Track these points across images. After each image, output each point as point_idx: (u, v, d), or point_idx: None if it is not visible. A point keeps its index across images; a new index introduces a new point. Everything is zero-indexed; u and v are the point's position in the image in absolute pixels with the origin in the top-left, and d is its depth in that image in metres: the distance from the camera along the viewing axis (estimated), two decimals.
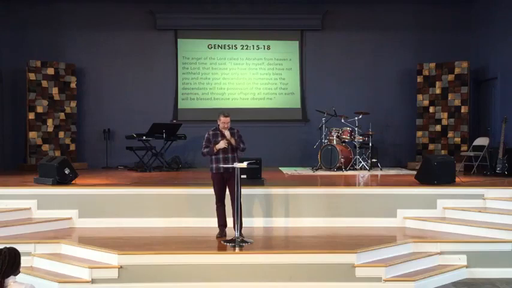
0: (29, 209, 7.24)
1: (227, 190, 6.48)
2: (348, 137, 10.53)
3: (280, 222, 7.22)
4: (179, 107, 12.17)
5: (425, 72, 11.52)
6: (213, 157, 6.42)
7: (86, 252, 5.97)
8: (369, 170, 10.25)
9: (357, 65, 12.01)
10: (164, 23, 12.00)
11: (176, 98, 12.16)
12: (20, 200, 7.29)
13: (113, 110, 11.76)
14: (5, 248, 3.74)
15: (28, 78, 11.00)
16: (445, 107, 11.32)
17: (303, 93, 12.31)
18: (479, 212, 7.01)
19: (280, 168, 10.92)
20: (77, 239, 6.51)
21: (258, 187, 7.39)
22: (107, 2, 11.79)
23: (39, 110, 11.11)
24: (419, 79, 11.57)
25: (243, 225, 6.30)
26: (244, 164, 6.19)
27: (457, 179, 8.07)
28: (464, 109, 11.14)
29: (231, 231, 6.40)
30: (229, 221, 6.49)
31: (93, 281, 5.60)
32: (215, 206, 6.51)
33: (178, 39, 12.24)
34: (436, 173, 7.72)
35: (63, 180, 7.74)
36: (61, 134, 11.36)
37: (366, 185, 8.29)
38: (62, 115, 11.39)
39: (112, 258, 5.70)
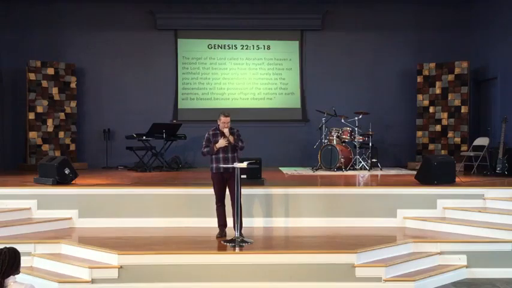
0: (29, 209, 7.24)
1: (227, 190, 6.48)
2: (348, 137, 10.53)
3: (280, 222, 7.22)
4: (179, 107, 12.17)
5: (425, 72, 11.52)
6: (213, 157, 6.43)
7: (86, 252, 5.97)
8: (369, 170, 10.25)
9: (357, 65, 12.01)
10: (164, 23, 12.00)
11: (176, 98, 12.16)
12: (20, 200, 7.29)
13: (113, 110, 11.76)
14: (5, 248, 3.75)
15: (28, 78, 11.00)
16: (445, 107, 11.32)
17: (303, 93, 12.31)
18: (479, 212, 7.01)
19: (280, 168, 10.92)
20: (77, 239, 6.51)
21: (258, 187, 7.39)
22: (107, 2, 11.79)
23: (39, 110, 11.11)
24: (419, 79, 11.57)
25: (243, 225, 6.30)
26: (244, 164, 6.19)
27: (457, 179, 8.07)
28: (464, 109, 11.13)
29: (231, 231, 6.40)
30: (229, 221, 6.49)
31: (93, 281, 5.60)
32: (215, 206, 6.51)
33: (178, 39, 12.24)
34: (436, 173, 7.72)
35: (63, 180, 7.74)
36: (61, 134, 11.36)
37: (366, 185, 8.29)
38: (62, 115, 11.39)
39: (112, 258, 5.70)
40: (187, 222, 7.13)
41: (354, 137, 10.52)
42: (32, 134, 11.00)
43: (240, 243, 6.05)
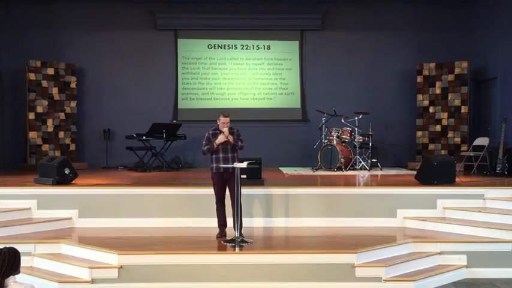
0: (29, 209, 7.24)
1: (227, 190, 6.48)
2: (348, 137, 10.53)
3: (280, 222, 7.22)
4: (179, 107, 12.17)
5: (425, 72, 11.52)
6: (213, 156, 6.43)
7: (86, 252, 5.97)
8: (369, 170, 10.25)
9: (357, 65, 12.01)
10: (164, 23, 12.00)
11: (176, 98, 12.16)
12: (20, 200, 7.29)
13: (113, 110, 11.76)
14: (5, 248, 3.75)
15: (28, 78, 11.00)
16: (445, 107, 11.32)
17: (303, 93, 12.31)
18: (479, 212, 7.01)
19: (280, 168, 10.92)
20: (77, 239, 6.51)
21: (258, 187, 7.39)
22: (107, 2, 11.79)
23: (39, 110, 11.11)
24: (419, 79, 11.57)
25: (243, 225, 6.30)
26: (244, 164, 6.19)
27: (457, 179, 8.07)
28: (464, 109, 11.13)
29: (231, 231, 6.40)
30: (229, 221, 6.49)
31: (93, 281, 5.60)
32: (215, 206, 6.51)
33: (178, 39, 12.24)
34: (436, 173, 7.72)
35: (63, 180, 7.74)
36: (61, 134, 11.36)
37: (366, 185, 8.29)
38: (62, 115, 11.39)
39: (112, 258, 5.70)
40: (187, 222, 7.12)
41: (354, 137, 10.52)
42: (32, 134, 11.00)
43: (240, 243, 6.05)
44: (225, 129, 6.35)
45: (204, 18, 12.00)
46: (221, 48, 12.33)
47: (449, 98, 11.28)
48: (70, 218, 7.21)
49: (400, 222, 7.22)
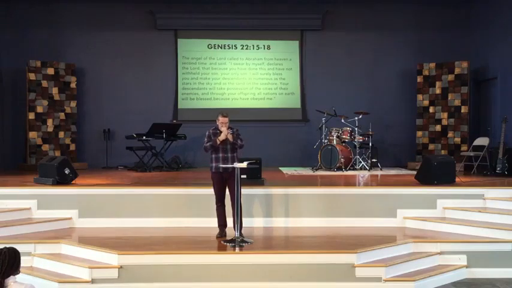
0: (29, 209, 7.24)
1: (227, 190, 6.48)
2: (348, 137, 10.53)
3: (280, 222, 7.22)
4: (179, 107, 12.17)
5: (425, 72, 11.52)
6: (213, 156, 6.43)
7: (86, 252, 5.97)
8: (369, 170, 10.25)
9: (357, 65, 12.01)
10: (164, 23, 12.00)
11: (176, 98, 12.16)
12: (20, 200, 7.29)
13: (113, 110, 11.76)
14: (5, 248, 3.75)
15: (28, 78, 11.00)
16: (445, 107, 11.32)
17: (303, 93, 12.31)
18: (479, 212, 7.01)
19: (280, 168, 10.92)
20: (77, 239, 6.51)
21: (258, 187, 7.39)
22: (107, 2, 11.79)
23: (39, 110, 11.11)
24: (419, 79, 11.57)
25: (243, 225, 6.30)
26: (244, 164, 6.19)
27: (457, 179, 8.07)
28: (464, 109, 11.13)
29: (231, 231, 6.40)
30: (229, 221, 6.49)
31: (93, 281, 5.60)
32: (215, 206, 6.51)
33: (178, 39, 12.24)
34: (436, 173, 7.71)
35: (63, 180, 7.74)
36: (61, 134, 11.36)
37: (366, 185, 8.29)
38: (62, 115, 11.39)
39: (112, 258, 5.70)
40: (187, 222, 7.12)
41: (354, 137, 10.52)
42: (32, 134, 11.00)
43: (240, 243, 6.05)
44: (224, 129, 6.36)
45: (204, 18, 12.00)
46: (221, 48, 12.33)
47: (449, 98, 11.28)
48: (70, 218, 7.21)
49: (400, 222, 7.22)
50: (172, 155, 11.25)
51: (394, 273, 5.74)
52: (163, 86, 12.04)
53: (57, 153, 11.02)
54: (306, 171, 10.22)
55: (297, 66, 12.38)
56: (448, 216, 7.19)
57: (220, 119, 6.41)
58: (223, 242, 6.19)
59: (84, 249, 6.01)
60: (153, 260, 5.66)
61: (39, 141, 11.08)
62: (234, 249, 5.93)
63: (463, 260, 6.24)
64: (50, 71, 11.25)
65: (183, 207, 7.25)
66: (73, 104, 11.54)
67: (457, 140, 11.16)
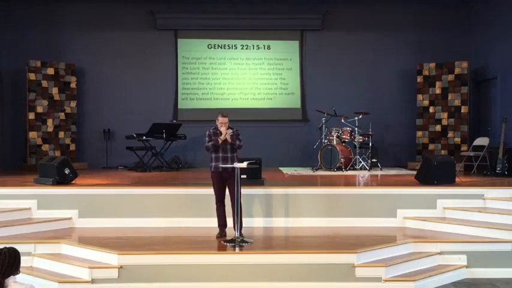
0: (29, 209, 7.24)
1: (227, 190, 6.48)
2: (348, 137, 10.53)
3: (280, 222, 7.22)
4: (179, 107, 12.17)
5: (425, 72, 11.52)
6: (213, 156, 6.44)
7: (86, 252, 5.97)
8: (369, 170, 10.25)
9: (357, 65, 12.00)
10: (164, 23, 12.00)
11: (176, 98, 12.16)
12: (20, 200, 7.29)
13: (113, 110, 11.76)
14: (5, 248, 3.75)
15: (28, 78, 11.00)
16: (445, 107, 11.32)
17: (303, 93, 12.31)
18: (479, 212, 7.01)
19: (280, 168, 10.92)
20: (77, 239, 6.51)
21: (258, 187, 7.39)
22: (107, 2, 11.79)
23: (39, 110, 11.11)
24: (419, 79, 11.57)
25: (243, 225, 6.30)
26: (244, 164, 6.19)
27: (457, 179, 8.07)
28: (464, 109, 11.13)
29: (231, 231, 6.40)
30: (229, 221, 6.49)
31: (93, 281, 5.60)
32: (215, 206, 6.51)
33: (178, 39, 12.24)
34: (436, 173, 7.71)
35: (63, 180, 7.74)
36: (61, 134, 11.36)
37: (366, 185, 8.29)
38: (62, 115, 11.39)
39: (112, 258, 5.70)
40: (187, 222, 7.12)
41: (354, 137, 10.52)
42: (32, 134, 11.00)
43: (240, 243, 6.05)
44: (223, 129, 6.37)
45: (204, 18, 12.00)
46: (221, 48, 12.33)
47: (449, 98, 11.28)
48: (70, 218, 7.21)
49: (400, 222, 7.22)
50: (172, 155, 11.25)
51: (394, 273, 5.74)
52: (163, 86, 12.04)
53: (57, 153, 11.02)
54: (306, 171, 10.22)
55: (297, 66, 12.38)
56: (448, 216, 7.19)
57: (220, 119, 6.41)
58: (223, 242, 6.19)
59: (84, 249, 6.01)
60: (153, 260, 5.66)
61: (39, 141, 11.08)
62: (234, 249, 5.93)
63: (463, 260, 6.24)
64: (50, 71, 11.25)
65: (183, 207, 7.25)
66: (73, 104, 11.54)
67: (457, 140, 11.16)
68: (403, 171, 10.38)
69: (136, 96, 11.87)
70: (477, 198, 7.34)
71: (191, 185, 7.85)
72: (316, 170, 10.31)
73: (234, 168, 6.21)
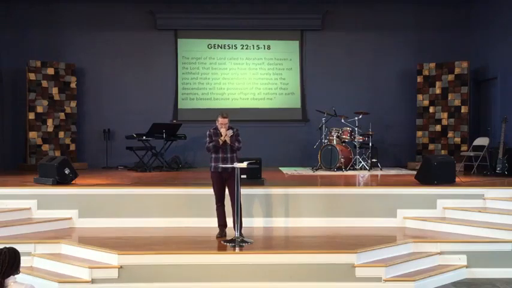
0: (29, 209, 7.24)
1: (227, 190, 6.48)
2: (348, 137, 10.53)
3: (280, 222, 7.22)
4: (179, 107, 12.16)
5: (425, 72, 11.52)
6: (213, 156, 6.44)
7: (86, 252, 5.97)
8: (369, 170, 10.25)
9: (357, 65, 12.00)
10: (164, 23, 12.00)
11: (176, 98, 12.16)
12: (20, 200, 7.29)
13: (113, 110, 11.76)
14: (5, 248, 3.75)
15: (28, 78, 11.00)
16: (445, 107, 11.32)
17: (303, 93, 12.31)
18: (479, 212, 7.01)
19: (280, 168, 10.92)
20: (77, 239, 6.51)
21: (258, 187, 7.39)
22: (107, 2, 11.79)
23: (39, 110, 11.11)
24: (419, 79, 11.57)
25: (243, 225, 6.30)
26: (244, 164, 6.19)
27: (457, 179, 8.07)
28: (464, 109, 11.13)
29: (231, 231, 6.40)
30: (229, 221, 6.49)
31: (93, 281, 5.60)
32: (215, 206, 6.52)
33: (178, 39, 12.24)
34: (436, 173, 7.71)
35: (63, 180, 7.74)
36: (61, 134, 11.36)
37: (366, 185, 8.29)
38: (62, 115, 11.39)
39: (112, 258, 5.70)
40: (187, 222, 7.12)
41: (354, 137, 10.52)
42: (32, 134, 11.00)
43: (240, 243, 6.05)
44: (223, 130, 6.37)
45: (204, 18, 12.00)
46: (221, 48, 12.33)
47: (449, 98, 11.28)
48: (70, 218, 7.21)
49: (400, 222, 7.22)
50: (172, 155, 11.25)
51: (394, 273, 5.74)
52: (163, 86, 12.04)
53: (57, 153, 11.02)
54: (306, 171, 10.22)
55: (297, 66, 12.38)
56: (448, 216, 7.19)
57: (220, 119, 6.41)
58: (223, 242, 6.19)
59: (84, 249, 6.01)
60: (153, 260, 5.66)
61: (39, 141, 11.08)
62: (234, 249, 5.93)
63: (463, 260, 6.24)
64: (50, 71, 11.25)
65: (183, 207, 7.25)
66: (73, 104, 11.54)
67: (457, 140, 11.16)
68: (403, 171, 10.38)
69: (136, 96, 11.87)
70: (477, 198, 7.34)
71: (191, 185, 7.85)
72: (316, 170, 10.31)
73: (233, 168, 6.21)
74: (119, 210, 7.23)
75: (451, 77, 11.26)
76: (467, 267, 6.21)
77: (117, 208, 7.24)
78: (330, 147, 10.28)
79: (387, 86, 12.01)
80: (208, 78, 12.28)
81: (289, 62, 12.40)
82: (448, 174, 7.90)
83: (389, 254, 6.02)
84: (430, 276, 5.85)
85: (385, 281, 5.65)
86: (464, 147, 10.95)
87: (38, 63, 11.14)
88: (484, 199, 7.33)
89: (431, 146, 11.45)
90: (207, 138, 6.50)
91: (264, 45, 12.37)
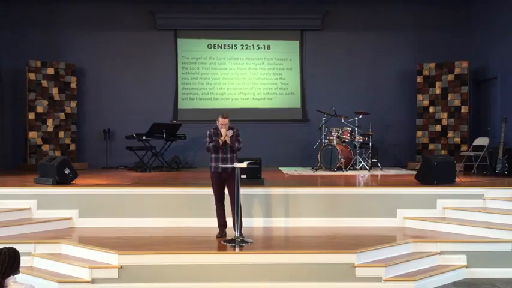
0: (29, 209, 7.24)
1: (227, 190, 6.48)
2: (348, 137, 10.53)
3: (280, 222, 7.22)
4: (179, 107, 12.16)
5: (425, 72, 11.52)
6: (213, 156, 6.44)
7: (86, 252, 5.97)
8: (369, 170, 10.25)
9: (357, 65, 12.01)
10: (164, 23, 12.00)
11: (176, 98, 12.16)
12: (20, 200, 7.30)
13: (113, 109, 11.76)
14: (5, 248, 3.75)
15: (28, 78, 11.00)
16: (445, 107, 11.32)
17: (303, 93, 12.31)
18: (479, 212, 7.01)
19: (280, 168, 10.92)
20: (77, 239, 6.51)
21: (258, 187, 7.39)
22: (107, 2, 11.79)
23: (39, 110, 11.11)
24: (419, 79, 11.57)
25: (243, 225, 6.30)
26: (244, 164, 6.19)
27: (457, 179, 8.07)
28: (464, 109, 11.13)
29: (231, 231, 6.40)
30: (229, 221, 6.49)
31: (93, 281, 5.60)
32: (215, 206, 6.51)
33: (178, 39, 12.24)
34: (436, 173, 7.71)
35: (63, 180, 7.74)
36: (61, 134, 11.36)
37: (366, 185, 8.29)
38: (62, 115, 11.39)
39: (112, 258, 5.70)
40: (187, 222, 7.12)
41: (354, 137, 10.52)
42: (32, 134, 11.00)
43: (240, 243, 6.05)
44: (223, 130, 6.37)
45: (204, 18, 12.00)
46: (221, 48, 12.33)
47: (449, 98, 11.28)
48: (70, 218, 7.21)
49: (400, 222, 7.22)
50: (172, 155, 11.25)
51: (394, 273, 5.74)
52: (163, 86, 12.04)
53: (57, 153, 11.02)
54: (306, 171, 10.22)
55: (297, 66, 12.38)
56: (448, 216, 7.19)
57: (221, 120, 6.41)
58: (223, 242, 6.19)
59: (84, 249, 6.01)
60: (153, 260, 5.66)
61: (39, 141, 11.08)
62: (234, 249, 5.93)
63: (463, 260, 6.24)
64: (50, 71, 11.25)
65: (183, 207, 7.25)
66: (73, 104, 11.54)
67: (457, 140, 11.16)
68: (403, 171, 10.38)
69: (136, 96, 11.88)
70: (477, 198, 7.34)
71: (191, 185, 7.85)
72: (316, 170, 10.31)
73: (233, 168, 6.21)
74: (118, 210, 7.23)
75: (451, 77, 11.26)
76: (467, 267, 6.21)
77: (117, 208, 7.24)
78: (330, 147, 10.28)
79: (387, 86, 12.01)
80: (208, 78, 12.28)
81: (289, 62, 12.40)
82: (448, 174, 7.90)
83: (389, 254, 6.02)
84: (430, 276, 5.85)
85: (385, 281, 5.65)
86: (464, 147, 10.95)
87: (38, 63, 11.14)
88: (484, 199, 7.33)
89: (431, 146, 11.45)
90: (207, 138, 6.50)
91: (264, 45, 12.37)
